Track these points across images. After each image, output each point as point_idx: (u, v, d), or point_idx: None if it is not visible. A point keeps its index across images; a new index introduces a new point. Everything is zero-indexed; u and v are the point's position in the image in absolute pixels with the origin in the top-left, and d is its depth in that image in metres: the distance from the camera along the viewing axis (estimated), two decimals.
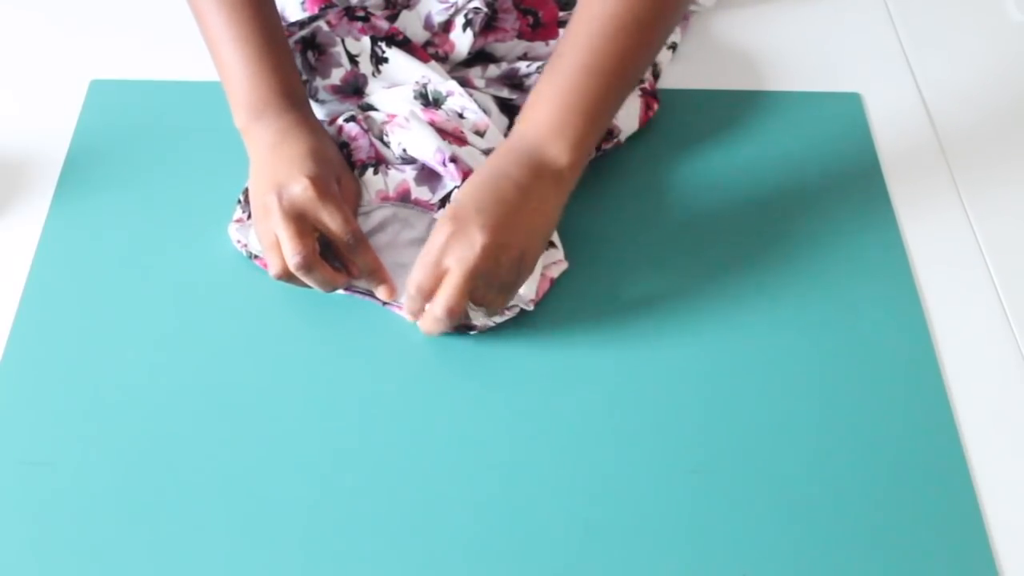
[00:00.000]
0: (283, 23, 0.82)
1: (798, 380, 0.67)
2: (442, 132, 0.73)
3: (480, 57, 0.82)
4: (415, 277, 0.63)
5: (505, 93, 0.78)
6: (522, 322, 0.69)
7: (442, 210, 0.71)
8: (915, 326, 0.70)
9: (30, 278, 0.71)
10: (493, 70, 0.80)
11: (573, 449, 0.64)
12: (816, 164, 0.79)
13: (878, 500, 0.62)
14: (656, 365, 0.68)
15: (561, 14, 0.82)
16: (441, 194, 0.72)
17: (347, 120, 0.74)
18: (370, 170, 0.72)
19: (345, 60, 0.77)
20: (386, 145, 0.74)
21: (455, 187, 0.70)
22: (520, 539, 0.60)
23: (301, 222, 0.65)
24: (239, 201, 0.73)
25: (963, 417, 0.66)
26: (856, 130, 0.82)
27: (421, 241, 0.71)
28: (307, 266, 0.64)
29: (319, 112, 0.78)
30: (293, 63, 0.72)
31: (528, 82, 0.79)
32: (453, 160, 0.70)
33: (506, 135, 0.71)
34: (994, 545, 0.60)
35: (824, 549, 0.60)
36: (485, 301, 0.64)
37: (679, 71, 0.86)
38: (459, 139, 0.73)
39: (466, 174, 0.69)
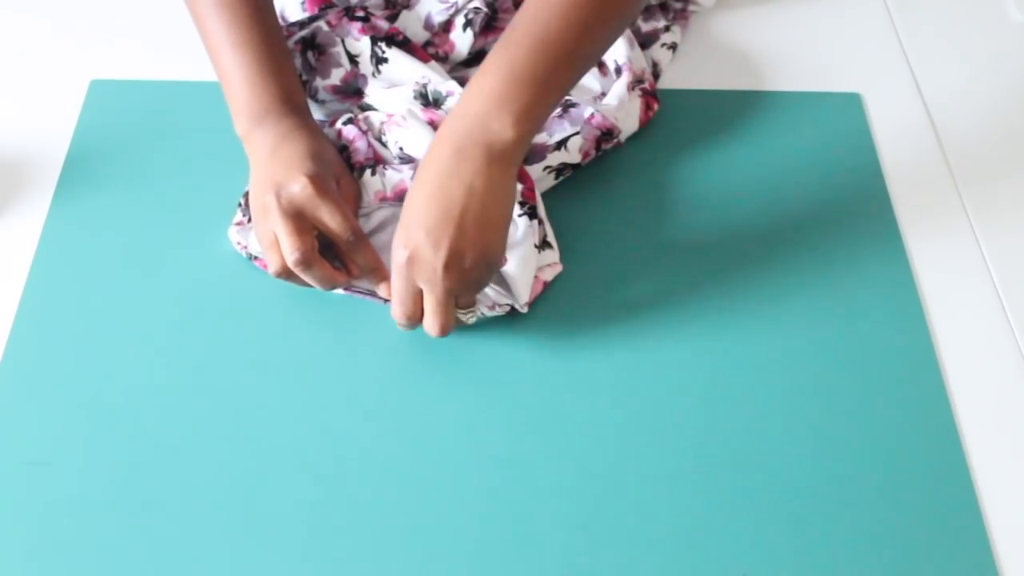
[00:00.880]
0: (283, 23, 0.82)
1: (798, 381, 0.67)
2: None
3: (480, 57, 0.82)
4: (398, 311, 0.64)
5: None
6: (522, 322, 0.69)
7: None
8: (915, 326, 0.70)
9: (30, 278, 0.71)
10: None
11: (573, 450, 0.64)
12: (816, 164, 0.79)
13: (878, 501, 0.62)
14: (656, 366, 0.68)
15: None
16: None
17: (345, 123, 0.74)
18: (368, 171, 0.72)
19: (345, 60, 0.77)
20: (384, 145, 0.74)
21: None
22: (520, 539, 0.60)
23: (300, 220, 0.65)
24: (239, 204, 0.73)
25: (963, 418, 0.66)
26: (856, 130, 0.82)
27: None
28: (306, 263, 0.64)
29: (318, 112, 0.78)
30: (293, 68, 0.72)
31: None
32: None
33: None
34: (994, 545, 0.60)
35: (824, 549, 0.60)
36: (468, 303, 0.65)
37: (679, 71, 0.86)
38: None
39: None
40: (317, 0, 0.79)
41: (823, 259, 0.73)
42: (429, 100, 0.75)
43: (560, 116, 0.75)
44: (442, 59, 0.80)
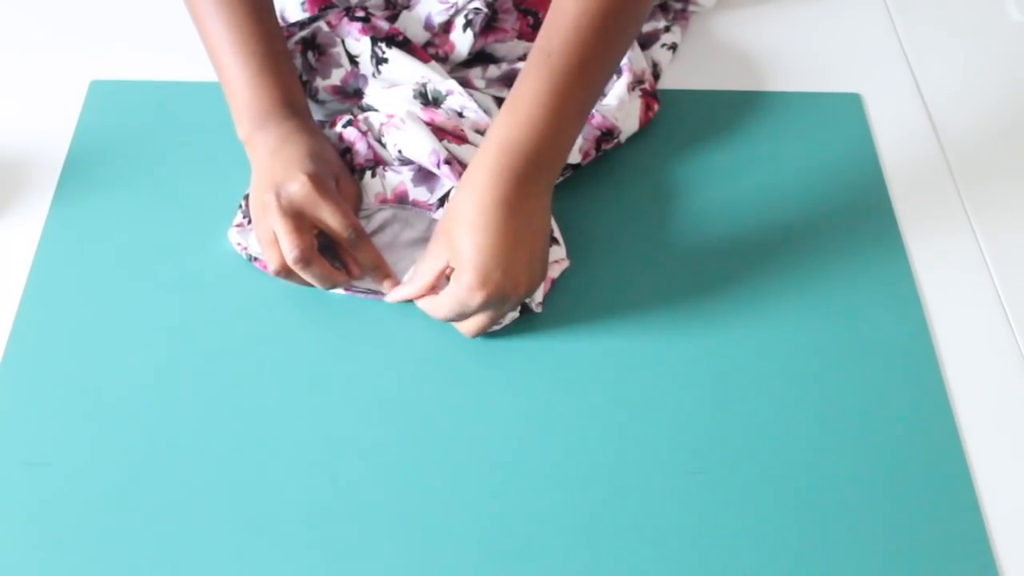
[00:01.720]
0: (283, 23, 0.82)
1: (799, 381, 0.67)
2: (442, 131, 0.73)
3: (480, 58, 0.82)
4: (441, 316, 0.65)
5: (505, 94, 0.78)
6: (522, 322, 0.69)
7: (440, 210, 0.71)
8: (915, 326, 0.70)
9: (30, 278, 0.71)
10: (493, 71, 0.81)
11: (573, 449, 0.64)
12: (816, 164, 0.79)
13: (878, 500, 0.62)
14: (655, 366, 0.68)
15: None
16: (439, 194, 0.72)
17: (345, 125, 0.74)
18: (368, 173, 0.72)
19: (345, 60, 0.77)
20: (383, 146, 0.74)
21: (452, 187, 0.70)
22: (520, 539, 0.60)
23: (299, 219, 0.65)
24: (240, 206, 0.73)
25: (963, 418, 0.66)
26: (856, 131, 0.82)
27: (422, 241, 0.71)
28: (305, 260, 0.64)
29: (319, 113, 0.78)
30: (293, 70, 0.72)
31: None
32: (448, 162, 0.70)
33: None
34: (994, 545, 0.60)
35: (824, 549, 0.60)
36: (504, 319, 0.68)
37: (679, 71, 0.86)
38: (459, 137, 0.73)
39: (462, 175, 0.69)
40: (317, 0, 0.79)
41: (823, 259, 0.73)
42: (429, 99, 0.75)
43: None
44: (442, 59, 0.80)
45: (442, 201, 0.71)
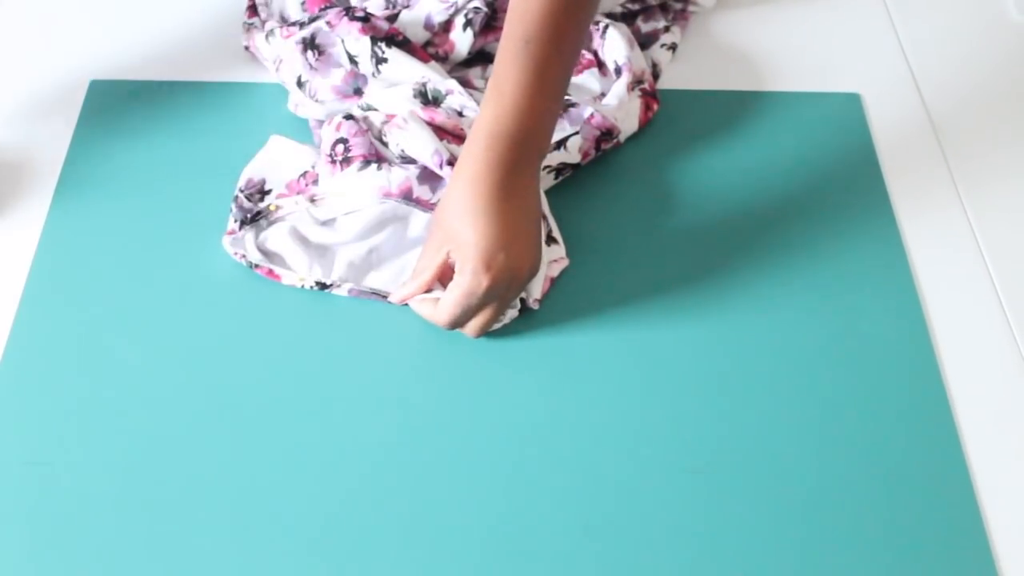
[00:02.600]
0: (283, 23, 0.82)
1: (798, 381, 0.67)
2: (442, 130, 0.73)
3: (480, 57, 0.82)
4: (446, 319, 0.65)
5: None
6: (522, 322, 0.69)
7: None
8: (915, 326, 0.70)
9: (30, 278, 0.71)
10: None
11: (573, 449, 0.64)
12: (816, 164, 0.79)
13: (878, 500, 0.62)
14: (655, 365, 0.68)
15: None
16: (441, 194, 0.72)
17: (345, 118, 0.74)
18: (373, 166, 0.72)
19: (345, 60, 0.77)
20: (385, 145, 0.74)
21: None
22: (520, 538, 0.60)
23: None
24: (231, 210, 0.72)
25: (963, 417, 0.66)
26: (856, 130, 0.82)
27: (421, 240, 0.71)
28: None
29: (319, 112, 0.78)
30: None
31: None
32: (451, 163, 0.70)
33: None
34: (994, 545, 0.60)
35: (824, 549, 0.60)
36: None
37: (679, 71, 0.86)
38: (459, 137, 0.73)
39: None
40: (317, 0, 0.79)
41: (823, 259, 0.73)
42: (429, 99, 0.75)
43: (560, 116, 0.75)
44: (442, 59, 0.80)
45: None
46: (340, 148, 0.73)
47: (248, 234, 0.71)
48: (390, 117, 0.74)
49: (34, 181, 0.76)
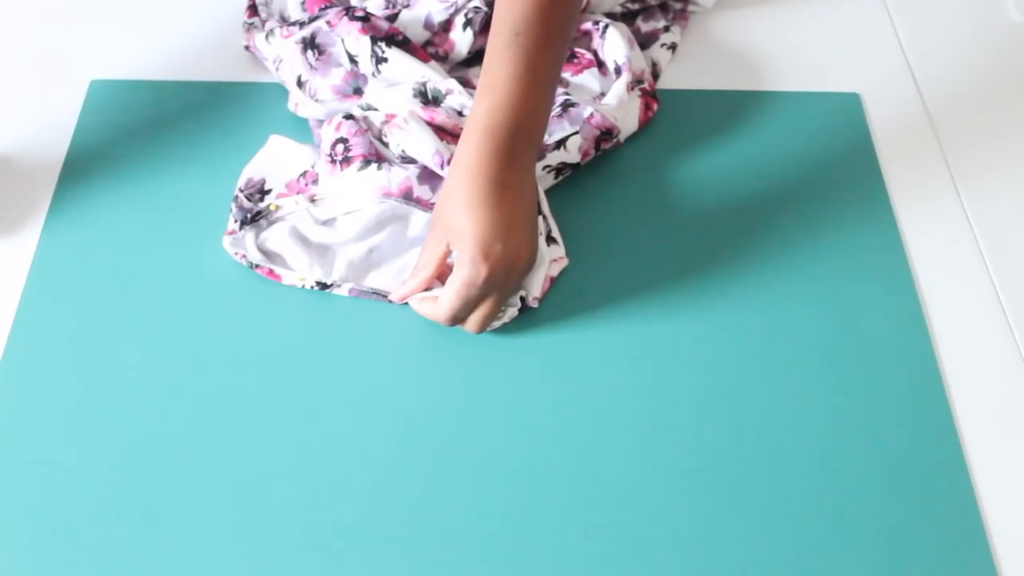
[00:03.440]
0: (283, 23, 0.82)
1: (798, 380, 0.67)
2: (441, 130, 0.73)
3: (480, 57, 0.82)
4: (447, 314, 0.65)
5: None
6: (522, 322, 0.69)
7: None
8: (914, 325, 0.70)
9: (30, 278, 0.71)
10: None
11: (574, 447, 0.64)
12: (815, 164, 0.79)
13: (877, 500, 0.62)
14: (655, 365, 0.68)
15: None
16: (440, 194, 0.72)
17: (345, 118, 0.74)
18: (373, 165, 0.72)
19: (345, 60, 0.77)
20: (385, 145, 0.74)
21: None
22: (519, 538, 0.60)
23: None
24: (231, 210, 0.72)
25: (963, 417, 0.66)
26: (855, 130, 0.82)
27: (421, 240, 0.71)
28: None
29: (319, 112, 0.78)
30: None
31: None
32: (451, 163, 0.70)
33: None
34: (994, 545, 0.60)
35: (824, 549, 0.60)
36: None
37: (679, 71, 0.86)
38: (459, 137, 0.73)
39: None
40: (317, 0, 0.79)
41: (822, 258, 0.73)
42: (429, 98, 0.75)
43: (560, 116, 0.75)
44: (442, 59, 0.80)
45: None
46: (340, 148, 0.73)
47: (248, 234, 0.71)
48: (390, 117, 0.74)
49: (34, 181, 0.76)
